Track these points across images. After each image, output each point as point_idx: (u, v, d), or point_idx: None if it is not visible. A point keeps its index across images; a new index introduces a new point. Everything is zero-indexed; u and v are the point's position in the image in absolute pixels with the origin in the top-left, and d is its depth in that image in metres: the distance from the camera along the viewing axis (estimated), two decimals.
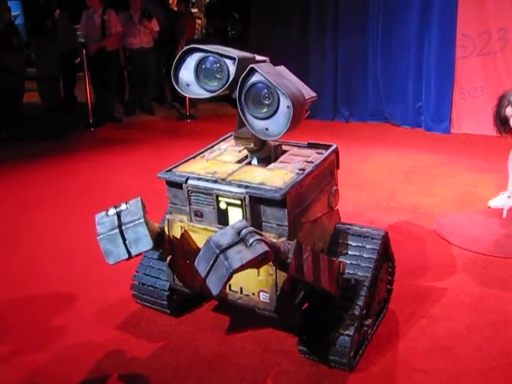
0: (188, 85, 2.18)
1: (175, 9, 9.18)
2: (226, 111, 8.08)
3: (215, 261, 1.80)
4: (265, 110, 2.05)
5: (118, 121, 7.68)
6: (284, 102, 2.00)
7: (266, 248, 1.82)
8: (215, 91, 2.13)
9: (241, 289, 2.25)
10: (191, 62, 2.15)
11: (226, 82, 2.09)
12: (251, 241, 1.81)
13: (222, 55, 2.09)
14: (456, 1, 6.32)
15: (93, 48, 7.18)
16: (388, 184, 4.82)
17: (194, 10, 11.15)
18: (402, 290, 2.93)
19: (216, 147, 2.62)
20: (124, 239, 2.08)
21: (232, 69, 2.08)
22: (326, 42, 7.33)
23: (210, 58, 2.12)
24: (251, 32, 8.17)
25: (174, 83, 2.18)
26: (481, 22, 6.30)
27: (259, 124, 2.08)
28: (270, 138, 2.12)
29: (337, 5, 7.17)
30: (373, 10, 6.97)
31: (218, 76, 2.11)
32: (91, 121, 7.38)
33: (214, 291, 1.82)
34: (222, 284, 1.79)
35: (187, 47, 2.17)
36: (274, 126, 2.04)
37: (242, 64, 2.06)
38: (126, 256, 2.09)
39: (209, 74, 2.13)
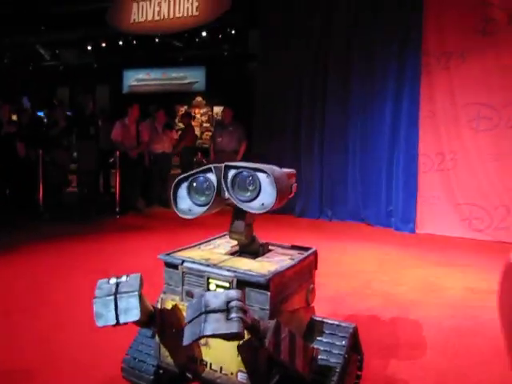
0: (190, 210, 2.13)
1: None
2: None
3: (197, 316, 1.61)
4: (249, 193, 2.00)
5: (139, 211, 7.60)
6: (263, 176, 1.96)
7: (240, 330, 1.60)
8: (208, 203, 2.07)
9: (220, 368, 1.99)
10: (182, 191, 2.14)
11: (214, 190, 2.04)
12: (232, 316, 1.61)
13: (203, 171, 2.09)
14: (417, 129, 6.54)
15: (134, 153, 7.44)
16: (364, 274, 4.65)
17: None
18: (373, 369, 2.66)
19: (212, 242, 2.48)
20: (116, 306, 1.85)
21: (213, 178, 2.05)
22: (314, 154, 7.43)
23: (200, 178, 2.10)
24: (254, 139, 8.07)
25: (178, 213, 2.13)
26: (436, 146, 6.49)
27: (254, 204, 2.00)
28: (269, 208, 2.00)
29: (322, 131, 7.36)
30: (353, 134, 7.15)
31: (207, 192, 2.08)
32: (117, 209, 7.33)
33: (185, 341, 1.61)
34: (192, 340, 1.59)
35: (175, 181, 2.14)
36: (266, 199, 1.97)
37: (218, 170, 2.05)
38: (114, 322, 1.83)
39: (199, 191, 2.11)
